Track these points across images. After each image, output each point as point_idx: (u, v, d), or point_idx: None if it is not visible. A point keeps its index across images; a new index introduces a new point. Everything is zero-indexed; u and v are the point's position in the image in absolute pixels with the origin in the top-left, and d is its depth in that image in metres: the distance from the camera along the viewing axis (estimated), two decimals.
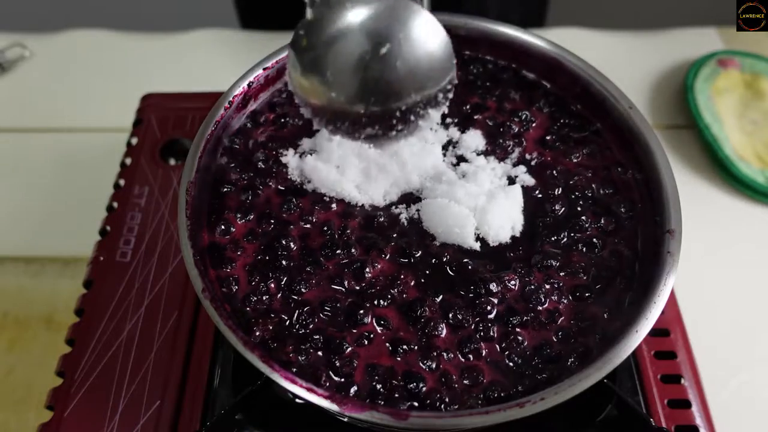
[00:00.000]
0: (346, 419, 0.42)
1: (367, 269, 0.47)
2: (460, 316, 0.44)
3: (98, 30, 1.00)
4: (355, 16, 0.42)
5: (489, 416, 0.38)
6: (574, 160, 0.53)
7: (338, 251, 0.48)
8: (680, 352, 0.57)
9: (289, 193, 0.51)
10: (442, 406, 0.41)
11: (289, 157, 0.53)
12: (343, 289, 0.46)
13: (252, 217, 0.50)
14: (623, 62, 0.93)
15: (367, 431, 0.48)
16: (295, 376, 0.40)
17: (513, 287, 0.46)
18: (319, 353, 0.43)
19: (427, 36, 0.43)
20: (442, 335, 0.44)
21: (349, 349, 0.44)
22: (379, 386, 0.42)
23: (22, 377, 0.67)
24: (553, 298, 0.46)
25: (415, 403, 0.41)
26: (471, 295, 0.45)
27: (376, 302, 0.45)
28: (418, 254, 0.48)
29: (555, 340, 0.44)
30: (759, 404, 0.65)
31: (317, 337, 0.44)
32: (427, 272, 0.47)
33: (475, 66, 0.58)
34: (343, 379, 0.42)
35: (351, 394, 0.42)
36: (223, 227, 0.49)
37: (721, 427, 0.54)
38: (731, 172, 0.79)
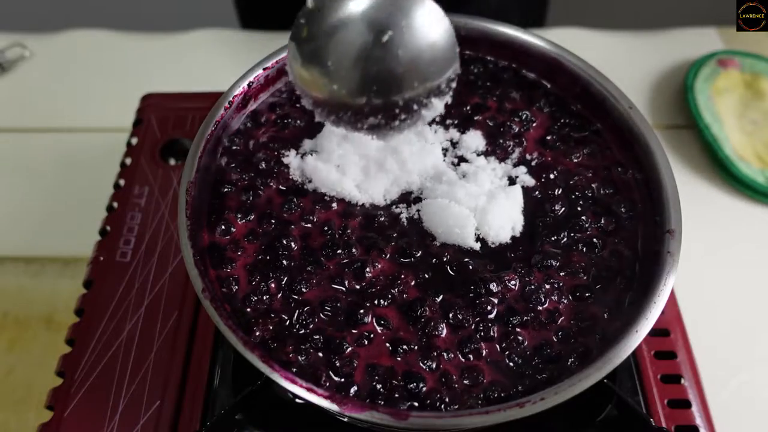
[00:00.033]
0: (346, 419, 0.42)
1: (368, 269, 0.47)
2: (460, 316, 0.44)
3: (98, 30, 1.00)
4: (357, 5, 0.41)
5: (489, 416, 0.39)
6: (575, 160, 0.53)
7: (339, 251, 0.48)
8: (680, 352, 0.57)
9: (290, 193, 0.51)
10: (442, 406, 0.41)
11: (291, 158, 0.53)
12: (344, 289, 0.46)
13: (253, 217, 0.50)
14: (623, 62, 0.93)
15: (367, 431, 0.48)
16: (295, 376, 0.40)
17: (513, 287, 0.46)
18: (319, 353, 0.43)
19: (431, 25, 0.42)
20: (443, 335, 0.44)
21: (349, 349, 0.44)
22: (379, 386, 0.42)
23: (22, 377, 0.67)
24: (553, 298, 0.46)
25: (415, 403, 0.41)
26: (471, 295, 0.45)
27: (376, 302, 0.45)
28: (419, 254, 0.48)
29: (555, 340, 0.44)
30: (759, 404, 0.65)
31: (317, 337, 0.44)
32: (428, 272, 0.47)
33: (475, 66, 0.58)
34: (343, 379, 0.42)
35: (351, 394, 0.42)
36: (223, 227, 0.49)
37: (721, 427, 0.54)
38: (731, 172, 0.79)
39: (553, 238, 0.48)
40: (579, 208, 0.50)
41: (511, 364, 0.43)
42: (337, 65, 0.42)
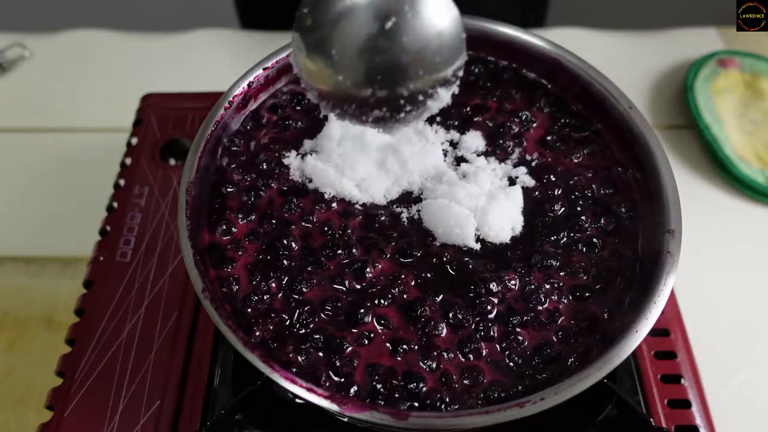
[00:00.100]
0: (346, 419, 0.42)
1: (368, 269, 0.47)
2: (460, 316, 0.44)
3: (98, 30, 1.00)
4: None
5: (489, 416, 0.39)
6: (575, 160, 0.53)
7: (339, 251, 0.48)
8: (680, 352, 0.57)
9: (290, 193, 0.51)
10: (442, 406, 0.41)
11: (291, 159, 0.53)
12: (344, 289, 0.46)
13: (254, 217, 0.50)
14: (623, 62, 0.93)
15: (367, 431, 0.48)
16: (295, 376, 0.40)
17: (513, 287, 0.46)
18: (320, 353, 0.43)
19: (438, 14, 0.41)
20: (443, 335, 0.44)
21: (350, 348, 0.44)
22: (379, 386, 0.42)
23: (22, 377, 0.67)
24: (553, 298, 0.46)
25: (415, 403, 0.41)
26: (471, 294, 0.45)
27: (376, 302, 0.45)
28: (419, 254, 0.48)
29: (555, 340, 0.44)
30: (759, 404, 0.65)
31: (317, 336, 0.44)
32: (428, 272, 0.47)
33: (475, 66, 0.58)
34: (343, 379, 0.42)
35: (351, 394, 0.42)
36: (224, 227, 0.49)
37: (721, 427, 0.54)
38: (731, 172, 0.79)
39: (553, 238, 0.48)
40: (579, 208, 0.50)
41: (511, 364, 0.43)
42: (341, 54, 0.41)
